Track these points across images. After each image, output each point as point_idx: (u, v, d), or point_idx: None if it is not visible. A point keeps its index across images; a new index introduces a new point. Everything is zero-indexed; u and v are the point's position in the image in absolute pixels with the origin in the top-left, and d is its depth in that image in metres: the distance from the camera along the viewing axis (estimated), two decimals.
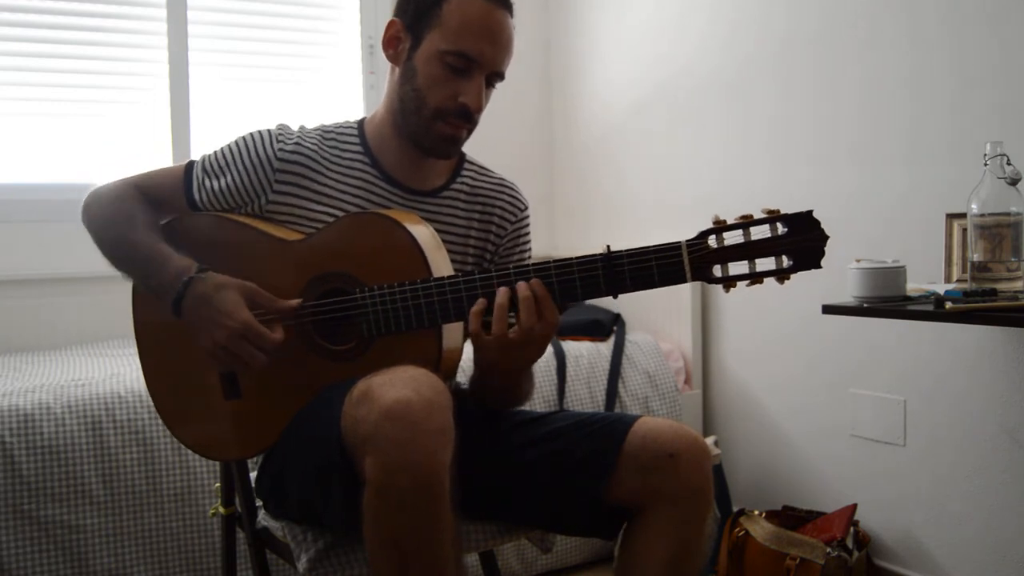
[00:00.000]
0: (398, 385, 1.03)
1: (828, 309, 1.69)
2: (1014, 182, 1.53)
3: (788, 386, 2.36)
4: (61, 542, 1.77)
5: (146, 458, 1.85)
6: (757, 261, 1.12)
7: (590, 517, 1.26)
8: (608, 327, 2.59)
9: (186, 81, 2.73)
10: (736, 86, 2.45)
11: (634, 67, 2.84)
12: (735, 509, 2.23)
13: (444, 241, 1.33)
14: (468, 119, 1.30)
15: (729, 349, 2.55)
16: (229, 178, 1.33)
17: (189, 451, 1.38)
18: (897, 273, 1.63)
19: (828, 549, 1.91)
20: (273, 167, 1.32)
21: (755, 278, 1.12)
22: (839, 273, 1.68)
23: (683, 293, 2.56)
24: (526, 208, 1.47)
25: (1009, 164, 1.53)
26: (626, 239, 1.20)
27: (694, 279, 1.13)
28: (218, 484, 1.49)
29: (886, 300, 1.61)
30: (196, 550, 1.88)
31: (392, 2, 1.35)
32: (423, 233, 1.25)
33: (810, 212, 1.10)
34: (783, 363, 2.37)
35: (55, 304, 2.51)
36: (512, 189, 1.47)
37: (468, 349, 1.42)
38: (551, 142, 3.28)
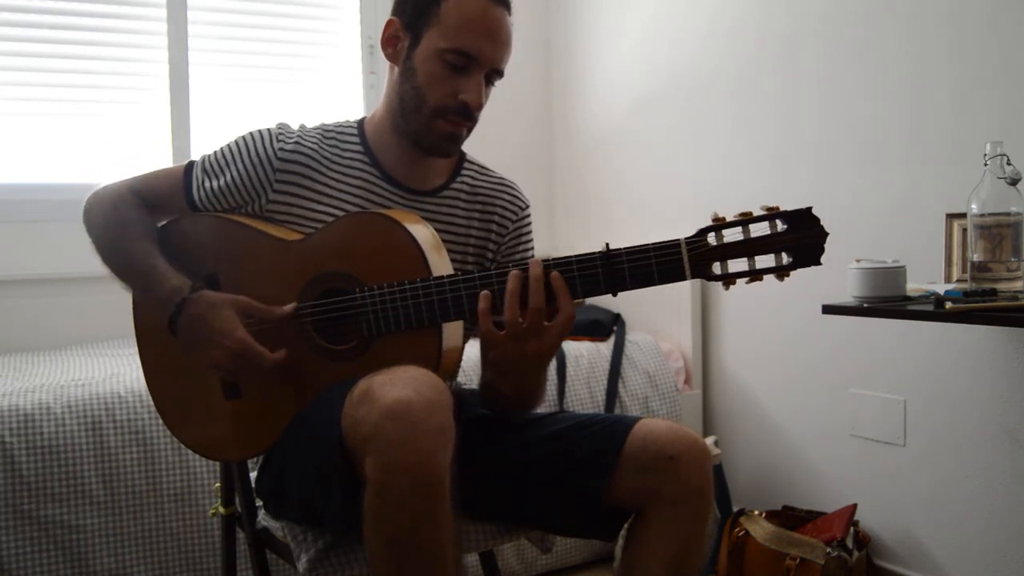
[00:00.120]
0: (399, 385, 1.03)
1: (828, 309, 1.69)
2: (1014, 182, 1.53)
3: (788, 386, 2.36)
4: (61, 542, 1.77)
5: (146, 458, 1.85)
6: (756, 258, 1.12)
7: (590, 518, 1.26)
8: (608, 327, 2.59)
9: (186, 81, 2.73)
10: (737, 86, 2.45)
11: (635, 67, 2.84)
12: (735, 509, 2.23)
13: (444, 241, 1.33)
14: (468, 117, 1.30)
15: (729, 349, 2.55)
16: (229, 177, 1.33)
17: (189, 451, 1.38)
18: (897, 273, 1.63)
19: (828, 549, 1.91)
20: (274, 167, 1.32)
21: (755, 275, 1.12)
22: (839, 273, 1.68)
23: (683, 293, 2.57)
24: (527, 207, 1.47)
25: (1009, 164, 1.53)
26: (627, 239, 1.20)
27: (693, 276, 1.13)
28: (218, 484, 1.49)
29: (886, 300, 1.61)
30: (196, 550, 1.88)
31: (392, 2, 1.35)
32: (423, 233, 1.25)
33: (809, 209, 1.10)
34: (783, 363, 2.37)
35: (55, 304, 2.51)
36: (512, 188, 1.47)
37: (469, 350, 1.42)
38: (551, 142, 3.28)
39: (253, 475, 1.43)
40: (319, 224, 1.31)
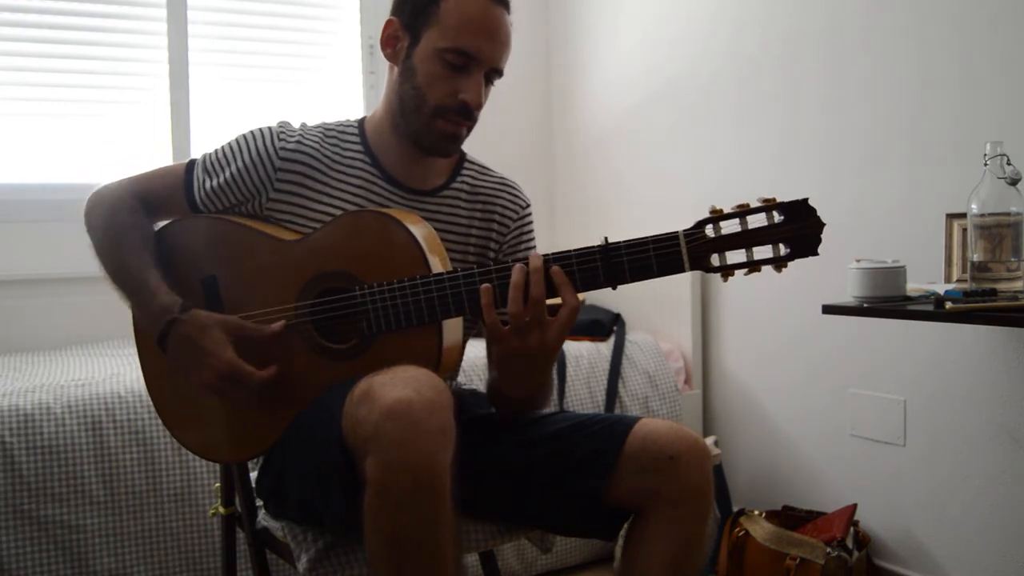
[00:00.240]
0: (399, 385, 1.03)
1: (828, 309, 1.69)
2: (1014, 182, 1.53)
3: (788, 386, 2.36)
4: (61, 542, 1.77)
5: (146, 458, 1.85)
6: (754, 250, 1.12)
7: (590, 518, 1.26)
8: (608, 327, 2.59)
9: (186, 81, 2.73)
10: (738, 87, 2.45)
11: (635, 67, 2.84)
12: (735, 509, 2.23)
13: (445, 240, 1.33)
14: (468, 116, 1.30)
15: (729, 349, 2.55)
16: (229, 174, 1.33)
17: (189, 451, 1.38)
18: (897, 273, 1.63)
19: (828, 549, 1.91)
20: (275, 165, 1.32)
21: (753, 266, 1.12)
22: (840, 273, 1.68)
23: (683, 292, 2.57)
24: (527, 206, 1.47)
25: (1009, 164, 1.53)
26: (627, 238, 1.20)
27: (692, 268, 1.13)
28: (218, 484, 1.49)
29: (886, 300, 1.61)
30: (196, 550, 1.88)
31: (391, 2, 1.35)
32: (422, 231, 1.25)
33: (806, 200, 1.10)
34: (783, 363, 2.37)
35: (55, 304, 2.51)
36: (512, 188, 1.47)
37: (469, 350, 1.42)
38: (552, 142, 3.28)
39: (253, 475, 1.43)
40: (319, 223, 1.31)
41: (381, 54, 1.35)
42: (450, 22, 1.26)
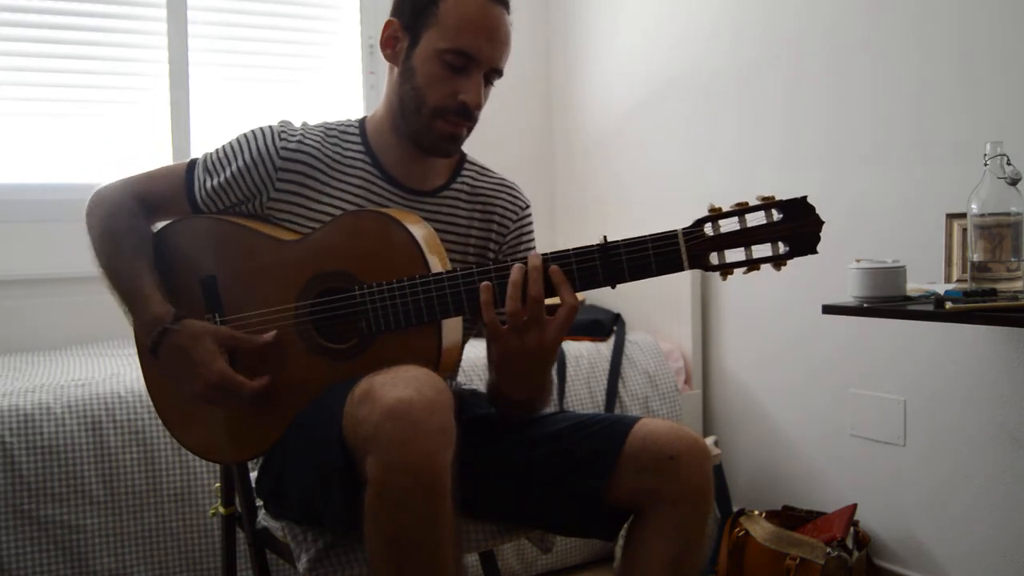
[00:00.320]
0: (400, 385, 1.03)
1: (828, 309, 1.69)
2: (1014, 182, 1.53)
3: (788, 386, 2.36)
4: (61, 542, 1.77)
5: (146, 458, 1.85)
6: (753, 248, 1.12)
7: (590, 518, 1.26)
8: (608, 327, 2.59)
9: (186, 81, 2.73)
10: (739, 88, 2.45)
11: (635, 68, 2.84)
12: (735, 509, 2.23)
13: (445, 241, 1.33)
14: (468, 117, 1.30)
15: (729, 349, 2.55)
16: (230, 173, 1.33)
17: (189, 452, 1.38)
18: (897, 273, 1.63)
19: (828, 549, 1.91)
20: (276, 165, 1.32)
21: (752, 265, 1.12)
22: (840, 273, 1.68)
23: (683, 292, 2.57)
24: (527, 207, 1.47)
25: (1009, 164, 1.53)
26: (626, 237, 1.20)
27: (691, 267, 1.13)
28: (218, 484, 1.49)
29: (886, 300, 1.61)
30: (196, 550, 1.88)
31: (391, 2, 1.35)
32: (421, 232, 1.25)
33: (804, 198, 1.10)
34: (783, 363, 2.37)
35: (55, 304, 2.51)
36: (512, 189, 1.47)
37: (468, 350, 1.42)
38: (552, 142, 3.28)
39: (253, 475, 1.43)
40: (319, 223, 1.31)
41: (381, 54, 1.35)
42: (449, 23, 1.25)
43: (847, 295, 1.67)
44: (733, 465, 2.51)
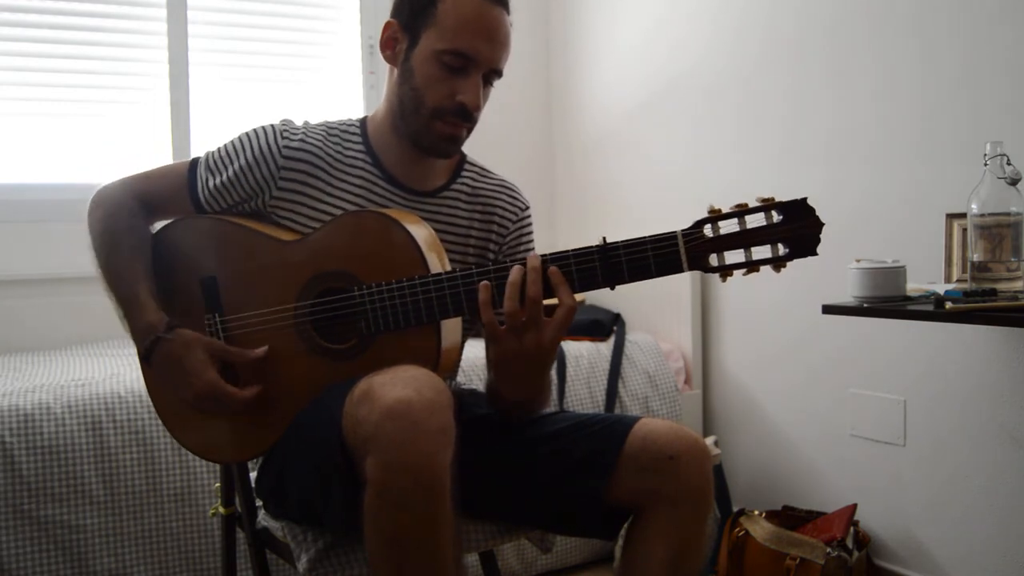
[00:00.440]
0: (399, 385, 1.03)
1: (828, 309, 1.69)
2: (1014, 182, 1.53)
3: (788, 386, 2.36)
4: (61, 542, 1.77)
5: (146, 458, 1.85)
6: (753, 250, 1.12)
7: (590, 517, 1.26)
8: (608, 327, 2.59)
9: (186, 81, 2.73)
10: (738, 88, 2.45)
11: (636, 68, 2.84)
12: (735, 509, 2.23)
13: (445, 241, 1.33)
14: (467, 118, 1.30)
15: (729, 349, 2.55)
16: (232, 172, 1.33)
17: (189, 452, 1.38)
18: (897, 273, 1.63)
19: (828, 549, 1.91)
20: (278, 163, 1.32)
21: (751, 266, 1.12)
22: (840, 273, 1.68)
23: (683, 292, 2.57)
24: (527, 208, 1.47)
25: (1009, 164, 1.53)
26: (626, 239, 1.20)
27: (691, 268, 1.13)
28: (218, 484, 1.49)
29: (886, 300, 1.61)
30: (196, 550, 1.88)
31: (391, 2, 1.35)
32: (421, 232, 1.25)
33: (804, 199, 1.10)
34: (783, 363, 2.37)
35: (55, 304, 2.51)
36: (512, 190, 1.47)
37: (468, 350, 1.42)
38: (552, 142, 3.28)
39: (253, 475, 1.43)
40: (320, 221, 1.31)
41: (381, 55, 1.35)
42: (447, 23, 1.25)
43: (847, 295, 1.67)
44: (733, 465, 2.51)
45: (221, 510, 1.48)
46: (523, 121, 3.20)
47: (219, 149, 1.36)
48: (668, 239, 1.13)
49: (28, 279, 2.49)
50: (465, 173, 1.43)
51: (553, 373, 2.30)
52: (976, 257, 1.56)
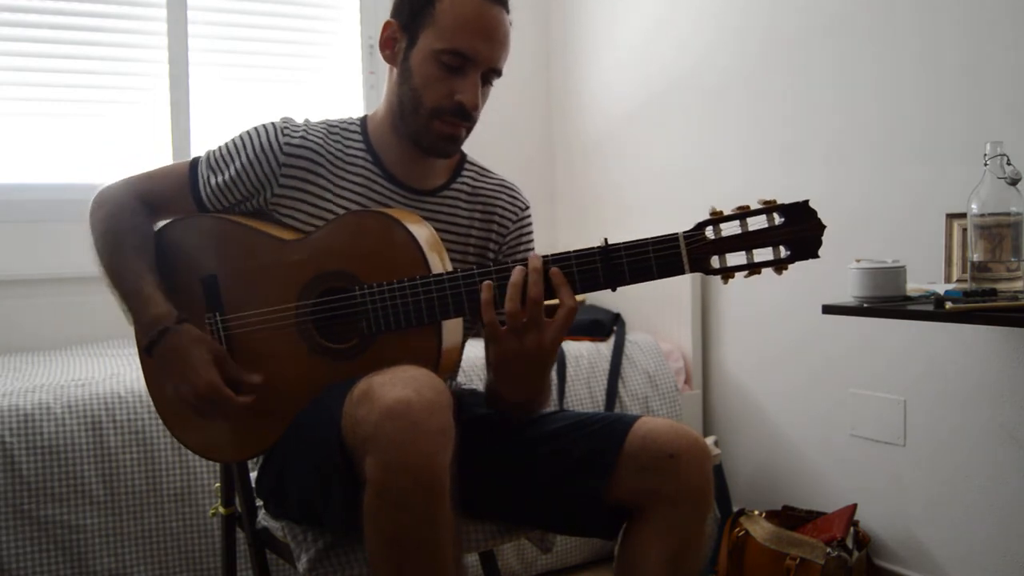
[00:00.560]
0: (399, 385, 1.03)
1: (828, 309, 1.69)
2: (1014, 182, 1.53)
3: (788, 386, 2.36)
4: (61, 542, 1.77)
5: (146, 458, 1.85)
6: (754, 252, 1.12)
7: (590, 517, 1.26)
8: (608, 327, 2.59)
9: (186, 81, 2.73)
10: (739, 88, 2.45)
11: (636, 68, 2.84)
12: (735, 509, 2.23)
13: (445, 241, 1.33)
14: (466, 117, 1.29)
15: (729, 349, 2.55)
16: (233, 170, 1.33)
17: (189, 451, 1.38)
18: (897, 273, 1.63)
19: (828, 549, 1.91)
20: (279, 161, 1.32)
21: (753, 268, 1.12)
22: (840, 274, 1.68)
23: (683, 293, 2.57)
24: (527, 208, 1.47)
25: (1009, 164, 1.53)
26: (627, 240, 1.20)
27: (692, 271, 1.13)
28: (218, 484, 1.49)
29: (886, 300, 1.61)
30: (196, 550, 1.88)
31: (391, 2, 1.35)
32: (422, 232, 1.25)
33: (806, 202, 1.10)
34: (783, 363, 2.37)
35: (55, 304, 2.51)
36: (512, 189, 1.47)
37: (468, 350, 1.42)
38: (552, 143, 3.28)
39: (253, 475, 1.43)
40: (321, 220, 1.31)
41: (380, 55, 1.35)
42: (445, 23, 1.25)
43: (848, 295, 1.67)
44: (733, 465, 2.51)
45: (221, 510, 1.48)
46: (523, 121, 3.20)
47: (220, 147, 1.36)
48: (670, 241, 1.13)
49: (28, 279, 2.49)
50: (465, 172, 1.43)
51: (553, 373, 2.30)
52: (976, 257, 1.56)
